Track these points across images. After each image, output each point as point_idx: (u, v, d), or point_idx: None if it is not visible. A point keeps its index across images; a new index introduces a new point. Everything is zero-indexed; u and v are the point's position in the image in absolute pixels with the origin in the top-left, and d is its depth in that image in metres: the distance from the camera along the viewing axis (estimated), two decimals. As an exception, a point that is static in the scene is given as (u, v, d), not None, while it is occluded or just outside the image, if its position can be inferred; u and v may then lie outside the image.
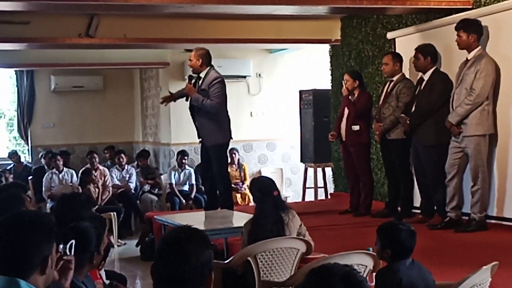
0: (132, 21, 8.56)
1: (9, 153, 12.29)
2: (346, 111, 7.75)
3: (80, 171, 10.49)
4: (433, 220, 6.69)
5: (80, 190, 9.96)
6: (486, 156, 6.30)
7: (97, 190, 10.01)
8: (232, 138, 7.49)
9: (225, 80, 7.48)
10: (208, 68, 7.27)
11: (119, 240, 9.40)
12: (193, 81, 7.37)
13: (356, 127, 7.62)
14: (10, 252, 2.36)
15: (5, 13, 7.51)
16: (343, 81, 7.96)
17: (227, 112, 7.37)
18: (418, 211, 7.13)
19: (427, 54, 6.80)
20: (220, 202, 7.42)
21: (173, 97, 7.71)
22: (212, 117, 7.23)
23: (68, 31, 8.40)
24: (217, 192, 7.51)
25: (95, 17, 8.29)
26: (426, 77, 6.82)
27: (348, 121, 7.68)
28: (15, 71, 12.57)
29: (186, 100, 7.42)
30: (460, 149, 6.38)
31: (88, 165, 10.74)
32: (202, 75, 7.29)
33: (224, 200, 7.41)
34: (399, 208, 7.36)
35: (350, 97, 7.74)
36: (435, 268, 4.06)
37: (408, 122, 6.83)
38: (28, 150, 12.93)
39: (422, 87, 6.83)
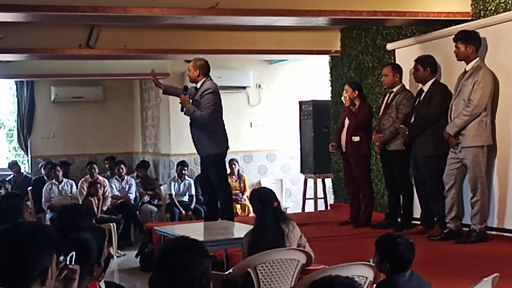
0: (132, 32, 8.58)
1: (9, 163, 12.30)
2: (347, 122, 7.75)
3: (88, 182, 10.45)
4: (433, 231, 6.68)
5: (80, 201, 9.96)
6: (484, 167, 6.30)
7: (96, 201, 10.00)
8: (229, 148, 7.46)
9: (225, 91, 7.52)
10: (205, 78, 7.28)
11: (119, 251, 9.38)
12: (187, 91, 7.36)
13: (356, 138, 7.63)
14: (10, 263, 2.35)
15: (5, 25, 7.52)
16: (344, 92, 7.97)
17: (221, 122, 7.34)
18: (418, 222, 7.12)
19: (426, 65, 6.82)
20: (221, 212, 7.41)
21: (158, 84, 7.58)
22: (204, 128, 7.22)
23: (68, 42, 8.42)
24: (217, 203, 7.50)
25: (96, 28, 8.31)
26: (425, 88, 6.83)
27: (349, 132, 7.69)
28: (15, 81, 12.59)
29: (181, 111, 7.41)
30: (458, 160, 6.38)
31: (88, 176, 10.73)
32: (198, 85, 7.29)
33: (224, 210, 7.39)
34: (399, 219, 7.36)
35: (351, 108, 7.74)
36: (435, 280, 4.06)
37: (407, 133, 6.83)
38: (28, 160, 12.94)
39: (421, 98, 6.84)
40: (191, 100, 7.27)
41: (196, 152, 7.62)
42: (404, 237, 3.67)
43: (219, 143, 7.29)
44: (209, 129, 7.23)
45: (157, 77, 7.69)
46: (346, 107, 7.88)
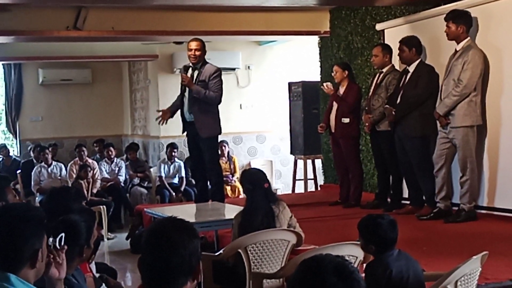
0: (120, 13, 8.51)
1: (-3, 146, 12.22)
2: (335, 103, 7.74)
3: (77, 165, 10.42)
4: (423, 211, 6.71)
5: (70, 184, 9.94)
6: (474, 146, 6.32)
7: (86, 184, 9.98)
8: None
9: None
10: (204, 59, 7.28)
11: (109, 234, 9.38)
12: (189, 72, 7.30)
13: (346, 120, 7.63)
14: (0, 246, 2.35)
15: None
16: (332, 73, 7.95)
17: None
18: (408, 202, 7.15)
19: (411, 46, 6.81)
20: (211, 194, 7.41)
21: (169, 113, 7.57)
22: (209, 109, 7.24)
23: (55, 24, 8.34)
24: (208, 184, 7.50)
25: (83, 10, 8.25)
26: (411, 69, 6.82)
27: (338, 113, 7.68)
28: (3, 64, 12.49)
29: (184, 90, 7.33)
30: (448, 140, 6.40)
31: (77, 159, 10.69)
32: (198, 65, 7.27)
33: (215, 192, 7.40)
34: (389, 199, 7.38)
35: (338, 92, 7.72)
36: (425, 259, 4.08)
37: (393, 113, 6.84)
38: (17, 143, 12.87)
39: (407, 79, 6.83)
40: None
41: (184, 134, 7.61)
42: (385, 216, 3.66)
43: (218, 124, 7.37)
44: (213, 111, 7.27)
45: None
46: (334, 88, 7.84)
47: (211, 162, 7.37)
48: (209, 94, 7.18)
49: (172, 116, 7.62)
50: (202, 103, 7.21)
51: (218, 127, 7.36)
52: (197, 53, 7.23)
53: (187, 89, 7.29)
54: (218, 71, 7.26)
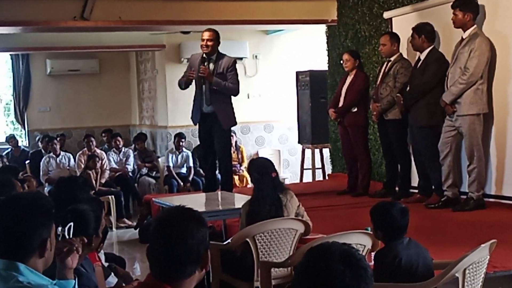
0: (127, 3, 8.50)
1: (6, 137, 12.27)
2: (344, 91, 7.73)
3: (86, 155, 10.44)
4: (431, 200, 6.70)
5: (78, 174, 9.96)
6: (480, 135, 6.30)
7: (95, 173, 10.00)
8: None
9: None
10: (218, 50, 7.30)
11: (127, 221, 9.42)
12: (206, 63, 7.29)
13: (354, 109, 7.62)
14: (9, 235, 2.36)
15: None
16: (340, 61, 7.93)
17: None
18: (416, 190, 7.14)
19: (422, 33, 6.77)
20: (221, 183, 7.44)
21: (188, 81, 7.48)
22: (229, 101, 7.36)
23: (63, 14, 8.34)
24: (217, 174, 7.54)
25: (90, 0, 8.24)
26: (422, 56, 6.80)
27: (346, 101, 7.67)
28: (11, 55, 12.52)
29: (203, 82, 7.28)
30: (454, 128, 6.38)
31: (86, 149, 10.72)
32: (214, 56, 7.27)
33: (224, 181, 7.43)
34: (397, 188, 7.37)
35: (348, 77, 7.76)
36: (433, 247, 4.08)
37: (402, 102, 6.82)
38: (25, 134, 12.91)
39: (417, 66, 6.81)
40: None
41: (192, 124, 7.64)
42: (396, 204, 3.68)
43: (234, 115, 7.48)
44: (230, 102, 7.39)
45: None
46: (342, 77, 7.85)
47: (225, 152, 7.44)
48: (228, 85, 7.26)
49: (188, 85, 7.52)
50: (222, 95, 7.26)
51: (234, 118, 7.50)
52: (209, 43, 7.23)
53: (205, 80, 7.26)
54: (235, 63, 7.36)
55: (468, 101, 6.22)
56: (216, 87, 7.22)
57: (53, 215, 2.46)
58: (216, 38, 7.25)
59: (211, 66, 7.27)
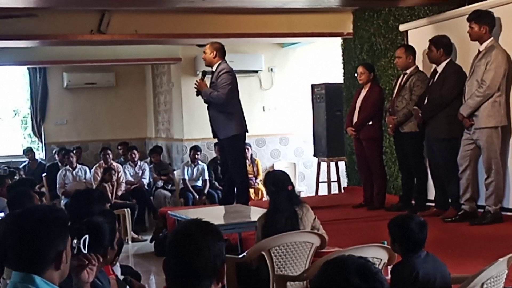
0: (143, 16, 8.56)
1: (24, 150, 12.36)
2: (358, 104, 7.72)
3: (102, 168, 10.49)
4: (448, 213, 6.65)
5: (94, 187, 10.00)
6: (499, 148, 6.25)
7: (111, 186, 10.03)
8: (247, 131, 7.47)
9: (237, 75, 7.49)
10: (221, 61, 7.28)
11: (141, 236, 9.42)
12: (205, 76, 7.38)
13: (370, 122, 7.60)
14: (25, 248, 2.36)
15: (17, 11, 7.53)
16: (355, 74, 7.92)
17: (238, 104, 7.36)
18: (433, 204, 7.09)
19: (439, 46, 6.75)
20: (236, 195, 7.42)
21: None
22: (222, 109, 7.23)
23: (79, 28, 8.41)
24: (234, 187, 7.50)
25: (106, 13, 8.30)
26: (439, 69, 6.77)
27: (360, 114, 7.66)
28: (28, 68, 12.62)
29: (197, 95, 7.43)
30: (472, 141, 6.34)
31: (102, 162, 10.76)
32: (214, 68, 7.30)
33: (239, 194, 7.40)
34: (413, 202, 7.33)
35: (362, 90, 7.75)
36: (450, 261, 4.04)
37: (420, 115, 6.79)
38: (42, 147, 12.99)
39: (435, 79, 6.79)
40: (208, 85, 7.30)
41: (211, 136, 7.65)
42: (415, 217, 3.66)
43: (237, 124, 7.30)
44: (227, 111, 7.24)
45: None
46: (357, 90, 7.85)
47: (233, 164, 7.38)
48: (212, 94, 7.21)
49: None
50: (213, 104, 7.25)
51: (234, 127, 7.28)
52: (203, 55, 7.36)
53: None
54: (224, 69, 7.22)
55: (486, 114, 6.18)
56: (204, 98, 7.30)
57: (69, 227, 2.46)
58: (211, 50, 7.27)
59: (208, 78, 7.34)
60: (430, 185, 7.21)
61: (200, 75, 7.50)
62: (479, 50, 6.30)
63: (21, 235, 2.37)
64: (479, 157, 6.39)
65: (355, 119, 7.74)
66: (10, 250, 2.37)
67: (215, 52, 7.25)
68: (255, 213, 5.82)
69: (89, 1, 6.44)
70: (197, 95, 7.42)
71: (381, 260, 3.92)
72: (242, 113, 7.39)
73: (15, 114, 13.66)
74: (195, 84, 7.39)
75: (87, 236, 2.68)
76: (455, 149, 6.55)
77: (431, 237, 3.67)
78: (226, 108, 7.23)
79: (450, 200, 6.79)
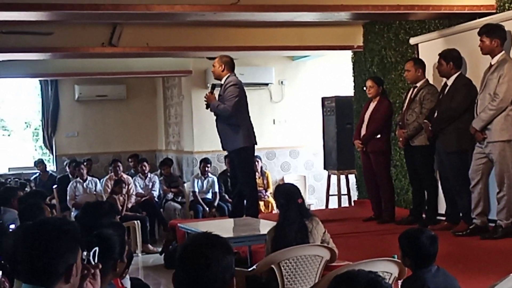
0: (154, 29, 8.60)
1: (35, 162, 12.41)
2: (367, 117, 7.72)
3: (112, 180, 10.51)
4: (459, 227, 6.61)
5: (104, 199, 10.02)
6: (511, 161, 6.21)
7: (121, 198, 10.05)
8: (256, 144, 7.46)
9: (248, 88, 7.53)
10: (229, 74, 7.31)
11: (155, 248, 9.40)
12: (215, 90, 7.42)
13: (378, 135, 7.60)
14: (35, 261, 2.36)
15: (29, 23, 7.59)
16: (364, 88, 7.92)
17: (246, 116, 7.36)
18: (443, 218, 7.06)
19: (449, 59, 6.75)
20: (246, 207, 7.41)
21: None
22: (229, 122, 7.26)
23: (91, 41, 8.47)
24: (243, 200, 7.50)
25: (118, 26, 8.35)
26: (449, 82, 6.76)
27: (369, 127, 7.66)
28: (40, 81, 12.70)
29: (206, 108, 7.46)
30: (484, 155, 6.31)
31: (113, 174, 10.79)
32: (222, 81, 7.33)
33: (249, 206, 7.40)
34: (423, 215, 7.30)
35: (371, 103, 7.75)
36: (461, 276, 4.01)
37: (430, 128, 6.78)
38: (53, 159, 13.04)
39: (445, 92, 6.78)
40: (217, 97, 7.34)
41: (221, 149, 7.67)
42: (426, 231, 3.65)
43: (244, 136, 7.29)
44: (234, 123, 7.25)
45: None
46: (365, 103, 7.86)
47: (242, 176, 7.39)
48: (220, 106, 7.25)
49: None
50: (221, 117, 7.28)
51: (241, 139, 7.27)
52: (212, 69, 7.44)
53: None
54: (231, 82, 7.26)
55: (499, 127, 6.15)
56: (212, 111, 7.36)
57: (80, 240, 2.46)
58: (219, 63, 7.32)
59: (218, 91, 7.39)
60: (441, 199, 7.18)
61: (209, 89, 7.53)
62: (490, 63, 6.28)
63: (32, 248, 2.37)
64: (491, 171, 6.35)
65: (363, 132, 7.73)
66: (21, 263, 2.37)
67: (223, 66, 7.29)
68: (265, 226, 5.81)
69: (101, 14, 6.48)
70: (207, 108, 7.45)
71: (391, 274, 3.90)
72: (251, 125, 7.40)
73: (27, 126, 13.74)
74: (205, 97, 7.43)
75: (96, 248, 2.68)
76: (465, 162, 6.53)
77: (442, 251, 3.65)
78: (233, 121, 7.25)
79: (460, 214, 6.75)
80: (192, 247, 2.26)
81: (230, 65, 7.34)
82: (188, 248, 2.28)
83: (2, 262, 3.26)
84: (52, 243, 2.37)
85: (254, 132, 7.41)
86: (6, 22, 7.21)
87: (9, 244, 3.35)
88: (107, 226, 3.39)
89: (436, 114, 6.80)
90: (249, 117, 7.40)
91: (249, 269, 4.62)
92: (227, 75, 7.30)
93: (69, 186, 10.82)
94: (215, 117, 7.47)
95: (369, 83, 7.78)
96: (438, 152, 6.88)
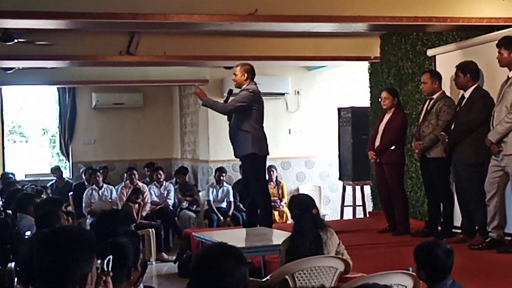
0: (172, 38, 8.64)
1: (51, 168, 12.49)
2: (381, 128, 7.70)
3: (128, 188, 10.56)
4: (475, 240, 6.57)
5: (120, 207, 10.05)
6: (527, 175, 6.17)
7: (136, 206, 10.08)
8: (268, 153, 7.43)
9: (264, 97, 7.52)
10: (250, 82, 7.32)
11: (170, 257, 9.40)
12: (231, 95, 7.43)
13: (392, 146, 7.58)
14: (51, 269, 2.38)
15: (47, 32, 7.65)
16: (379, 99, 7.91)
17: (257, 125, 7.31)
18: (459, 230, 7.01)
19: (466, 71, 6.72)
20: (260, 217, 7.39)
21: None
22: (240, 127, 7.25)
23: (109, 49, 8.52)
24: (257, 209, 7.48)
25: (136, 35, 8.40)
26: (467, 94, 6.73)
27: (383, 139, 7.64)
28: (58, 88, 12.80)
29: (202, 105, 7.50)
30: (500, 168, 6.26)
31: (128, 182, 10.83)
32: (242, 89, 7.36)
33: (262, 216, 7.38)
34: (439, 228, 7.25)
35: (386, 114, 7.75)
36: (477, 290, 3.99)
37: (447, 140, 6.75)
38: (69, 166, 13.12)
39: (462, 104, 6.75)
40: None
41: (234, 157, 7.66)
42: (441, 244, 3.63)
43: (253, 143, 7.24)
44: (244, 130, 7.25)
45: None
46: (380, 114, 7.85)
47: (253, 185, 7.35)
48: (217, 103, 7.32)
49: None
50: (233, 123, 7.31)
51: (250, 146, 7.23)
52: (233, 77, 7.44)
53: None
54: (249, 89, 7.26)
55: (515, 140, 6.11)
56: (206, 105, 7.44)
57: (95, 249, 2.47)
58: (241, 72, 7.32)
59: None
60: (457, 211, 7.13)
61: (226, 93, 7.54)
62: (508, 76, 6.25)
63: (49, 256, 2.39)
64: (507, 184, 6.31)
65: (377, 143, 7.72)
66: (37, 270, 2.39)
67: (246, 74, 7.30)
68: (279, 237, 5.80)
69: (119, 23, 6.52)
70: (202, 105, 7.48)
71: (405, 287, 3.88)
72: (263, 135, 7.34)
73: (44, 133, 13.86)
74: (195, 92, 7.48)
75: (111, 256, 2.69)
76: (482, 175, 6.48)
77: (457, 264, 3.63)
78: (246, 127, 7.24)
79: (476, 227, 6.71)
80: (206, 258, 2.27)
81: (251, 73, 7.37)
82: (202, 258, 2.28)
83: (18, 268, 3.28)
84: (69, 251, 2.38)
85: (266, 142, 7.36)
86: (25, 29, 7.28)
87: (25, 251, 3.37)
88: (122, 234, 3.40)
89: (453, 126, 6.77)
90: (262, 127, 7.38)
91: (263, 280, 4.62)
92: (247, 83, 7.33)
93: (84, 193, 10.87)
94: (228, 123, 7.48)
95: (384, 94, 7.77)
96: (454, 164, 6.84)
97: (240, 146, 7.31)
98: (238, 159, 7.76)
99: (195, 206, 11.30)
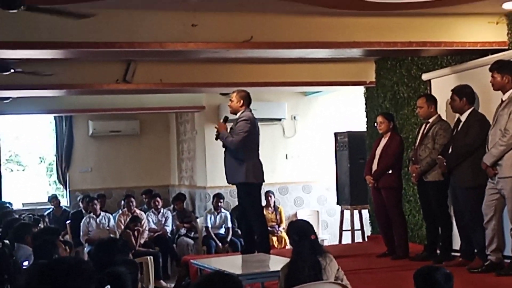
0: (168, 66, 8.69)
1: (49, 197, 12.47)
2: (378, 153, 7.72)
3: (126, 216, 10.54)
4: (474, 264, 6.55)
5: (118, 235, 10.03)
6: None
7: (136, 233, 10.05)
8: (263, 181, 7.43)
9: (260, 123, 7.53)
10: (245, 109, 7.35)
11: (169, 284, 9.35)
12: (227, 122, 7.47)
13: (389, 171, 7.59)
14: (49, 299, 2.37)
15: (41, 61, 7.69)
16: (375, 124, 7.94)
17: (253, 153, 7.31)
18: (458, 254, 7.00)
19: (462, 95, 6.75)
20: (257, 244, 7.38)
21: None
22: (235, 155, 7.27)
23: (105, 77, 8.56)
24: (254, 235, 7.47)
25: (132, 63, 8.44)
26: (463, 118, 6.76)
27: (380, 163, 7.66)
28: (54, 116, 12.83)
29: (216, 139, 7.47)
30: (496, 191, 6.27)
31: (125, 209, 10.81)
32: (237, 116, 7.37)
33: (260, 242, 7.36)
34: (438, 251, 7.24)
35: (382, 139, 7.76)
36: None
37: (445, 164, 6.76)
38: (67, 194, 13.10)
39: (459, 128, 6.77)
40: (228, 130, 7.37)
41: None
42: (441, 269, 3.63)
43: (247, 171, 7.23)
44: (239, 157, 7.26)
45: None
46: (377, 139, 7.87)
47: (249, 211, 7.35)
48: (228, 138, 7.27)
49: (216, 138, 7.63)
50: (228, 149, 7.32)
51: (243, 174, 7.22)
52: (229, 103, 7.44)
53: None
54: (243, 117, 7.27)
55: (510, 163, 6.12)
56: (221, 140, 7.37)
57: (94, 280, 2.47)
58: (237, 98, 7.34)
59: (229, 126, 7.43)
60: (455, 235, 7.12)
61: (222, 121, 7.56)
62: (502, 99, 6.28)
63: (47, 286, 2.38)
64: (504, 207, 6.31)
65: (374, 167, 7.73)
66: (34, 301, 2.39)
67: (242, 101, 7.33)
68: (277, 263, 5.78)
69: (116, 52, 6.57)
70: (216, 138, 7.46)
71: (405, 312, 3.87)
72: (258, 162, 7.33)
73: (41, 161, 13.84)
74: (216, 126, 7.46)
75: (109, 286, 2.69)
76: (480, 198, 6.48)
77: (456, 288, 3.62)
78: (238, 155, 7.25)
79: (475, 250, 6.70)
80: (204, 286, 2.27)
81: (247, 99, 7.39)
82: (201, 287, 2.28)
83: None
84: (68, 282, 2.38)
85: (261, 169, 7.35)
86: (21, 59, 7.32)
87: (23, 282, 3.36)
88: (120, 263, 3.40)
89: (450, 149, 6.78)
90: (258, 154, 7.38)
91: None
92: (242, 110, 7.35)
93: (82, 222, 10.84)
94: (223, 149, 7.49)
95: (379, 119, 7.80)
96: (452, 188, 6.85)
97: (232, 173, 7.32)
98: (229, 184, 7.76)
99: (193, 233, 11.27)
